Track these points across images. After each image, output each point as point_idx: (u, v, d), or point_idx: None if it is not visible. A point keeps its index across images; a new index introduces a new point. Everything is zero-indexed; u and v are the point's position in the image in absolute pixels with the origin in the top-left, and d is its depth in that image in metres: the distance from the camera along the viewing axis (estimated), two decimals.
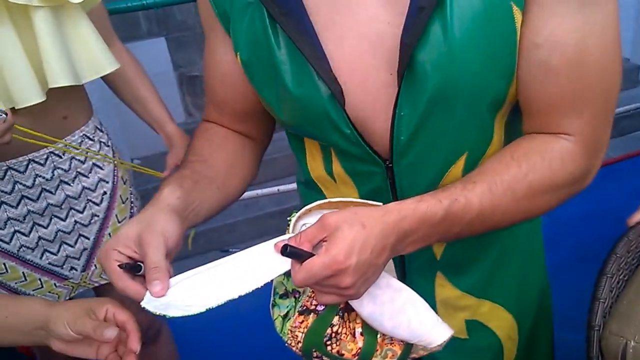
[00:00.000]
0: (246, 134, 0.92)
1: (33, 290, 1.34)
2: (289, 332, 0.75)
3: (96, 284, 1.44)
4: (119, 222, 1.41)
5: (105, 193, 1.38)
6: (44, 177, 1.26)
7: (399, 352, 0.77)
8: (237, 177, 0.89)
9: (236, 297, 0.65)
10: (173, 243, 0.71)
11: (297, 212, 0.74)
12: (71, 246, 1.35)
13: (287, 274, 0.71)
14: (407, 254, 0.79)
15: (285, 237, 0.69)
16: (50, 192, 1.28)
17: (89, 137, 1.34)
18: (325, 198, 0.82)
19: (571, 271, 1.68)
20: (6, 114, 1.04)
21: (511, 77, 0.71)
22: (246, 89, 0.83)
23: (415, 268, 0.90)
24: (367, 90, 0.74)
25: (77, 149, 1.30)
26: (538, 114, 0.73)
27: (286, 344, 0.78)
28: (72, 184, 1.31)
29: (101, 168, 1.37)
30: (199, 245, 2.77)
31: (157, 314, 0.64)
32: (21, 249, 1.28)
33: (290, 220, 0.73)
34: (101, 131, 1.39)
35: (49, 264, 1.34)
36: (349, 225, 0.63)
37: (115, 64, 1.26)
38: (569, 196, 0.76)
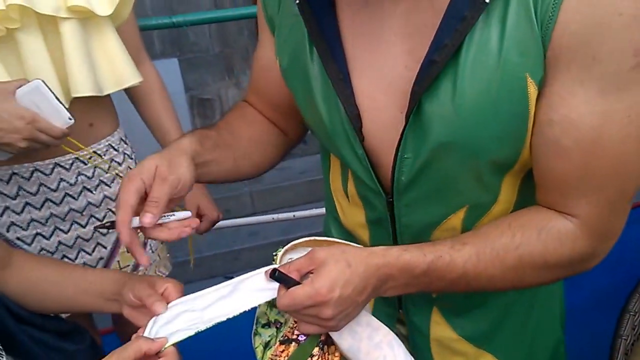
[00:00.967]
0: (278, 125, 0.96)
1: None
2: None
3: None
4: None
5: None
6: (68, 182, 1.26)
7: None
8: (255, 157, 0.93)
9: (224, 319, 0.72)
10: (184, 188, 0.76)
11: (282, 248, 0.79)
12: (89, 254, 1.33)
13: (271, 305, 0.80)
14: None
15: (274, 266, 0.75)
16: (73, 197, 1.28)
17: (114, 148, 1.34)
18: (339, 217, 0.92)
19: (588, 313, 1.64)
20: (72, 119, 1.08)
21: (521, 145, 0.69)
22: (284, 87, 0.86)
23: (412, 298, 0.90)
24: (380, 123, 0.76)
25: (103, 165, 1.30)
26: (546, 188, 0.72)
27: None
28: (94, 192, 1.31)
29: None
30: (203, 272, 2.77)
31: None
32: (41, 252, 1.27)
33: (276, 254, 0.79)
34: (125, 143, 1.40)
35: None
36: (335, 261, 0.69)
37: (138, 77, 1.28)
38: (569, 275, 0.75)
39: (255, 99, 0.97)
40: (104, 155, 1.31)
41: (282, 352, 0.78)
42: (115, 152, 1.34)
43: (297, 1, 0.76)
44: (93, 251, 1.34)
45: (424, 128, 0.70)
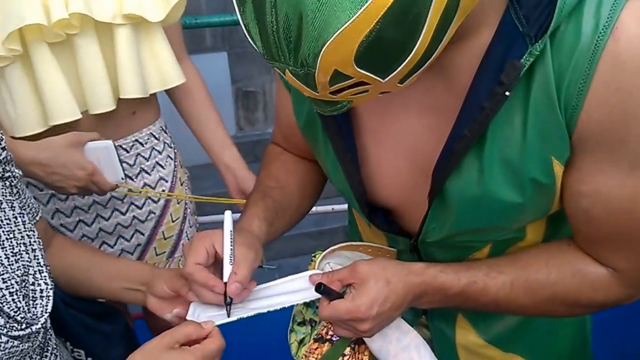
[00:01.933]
0: (311, 160, 0.97)
1: None
2: (304, 356, 0.86)
3: None
4: (173, 221, 1.44)
5: (163, 191, 1.40)
6: None
7: None
8: (307, 198, 0.98)
9: (264, 311, 0.77)
10: (247, 269, 0.77)
11: (322, 252, 0.85)
12: (127, 240, 1.37)
13: (307, 305, 0.89)
14: None
15: (318, 272, 0.81)
16: None
17: (154, 137, 1.37)
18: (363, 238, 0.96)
19: (617, 322, 1.60)
20: (124, 179, 1.22)
21: (548, 210, 0.71)
22: None
23: None
24: (404, 185, 0.78)
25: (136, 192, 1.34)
26: (581, 241, 0.74)
27: None
28: (135, 180, 1.34)
29: (162, 167, 1.40)
30: None
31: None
32: (82, 239, 1.31)
33: (314, 258, 0.86)
34: (165, 132, 1.42)
35: None
36: (376, 280, 0.73)
37: (182, 78, 1.31)
38: (601, 310, 0.76)
39: (284, 143, 0.99)
40: (145, 144, 1.35)
41: (316, 349, 0.85)
42: (155, 141, 1.38)
43: None
44: (131, 238, 1.38)
45: (449, 210, 0.72)
